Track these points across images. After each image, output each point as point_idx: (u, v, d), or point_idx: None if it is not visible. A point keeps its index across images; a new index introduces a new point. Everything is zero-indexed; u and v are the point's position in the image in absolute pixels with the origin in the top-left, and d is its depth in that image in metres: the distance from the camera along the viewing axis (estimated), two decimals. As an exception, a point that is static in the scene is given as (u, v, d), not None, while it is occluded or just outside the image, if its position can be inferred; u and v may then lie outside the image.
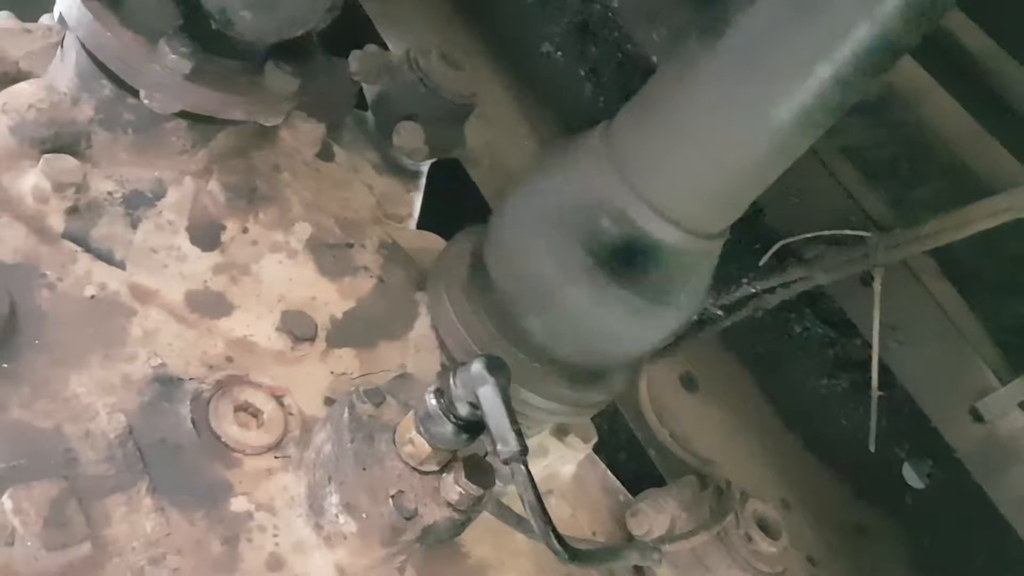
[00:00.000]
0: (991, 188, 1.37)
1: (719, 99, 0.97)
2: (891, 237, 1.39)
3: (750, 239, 1.52)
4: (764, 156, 0.99)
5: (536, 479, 0.96)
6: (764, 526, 1.32)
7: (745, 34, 0.93)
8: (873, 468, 1.58)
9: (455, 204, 1.63)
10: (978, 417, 1.36)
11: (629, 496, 1.45)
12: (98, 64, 1.11)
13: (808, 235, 1.43)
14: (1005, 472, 1.36)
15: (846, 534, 1.67)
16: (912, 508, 1.59)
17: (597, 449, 1.42)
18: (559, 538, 0.95)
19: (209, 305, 1.18)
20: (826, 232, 1.41)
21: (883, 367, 1.41)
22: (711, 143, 0.99)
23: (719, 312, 1.57)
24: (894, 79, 1.43)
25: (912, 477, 1.57)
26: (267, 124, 1.21)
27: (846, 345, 1.60)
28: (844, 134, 1.48)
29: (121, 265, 1.15)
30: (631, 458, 1.69)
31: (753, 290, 1.50)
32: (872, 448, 1.42)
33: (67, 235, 1.13)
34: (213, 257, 1.20)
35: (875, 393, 1.40)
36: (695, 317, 1.48)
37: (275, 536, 1.02)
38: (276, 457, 1.08)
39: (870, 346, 1.40)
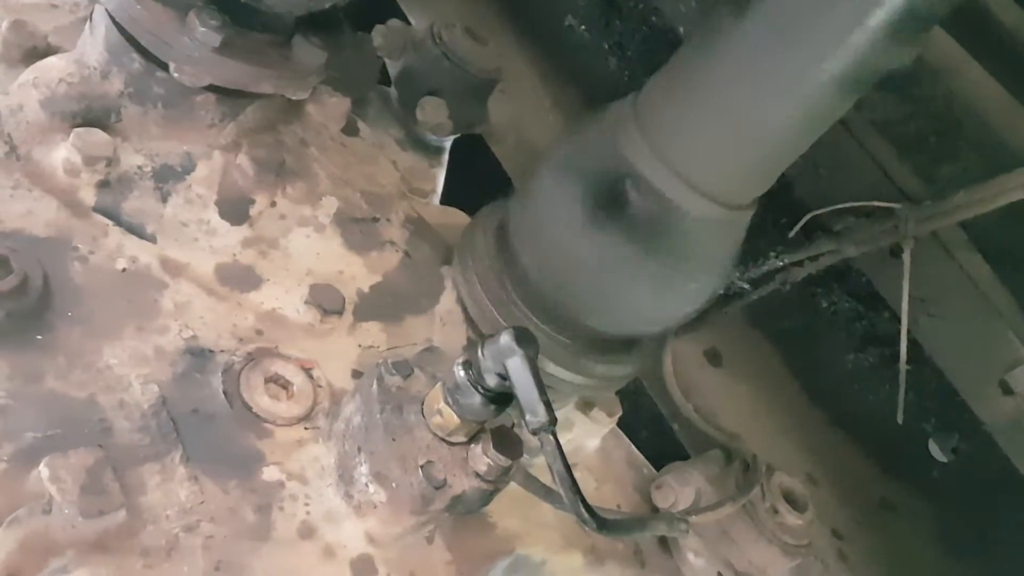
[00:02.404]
0: (1023, 160, 1.35)
1: (751, 68, 0.96)
2: (921, 209, 1.37)
3: (778, 212, 1.51)
4: (795, 126, 0.98)
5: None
6: (790, 499, 1.32)
7: (778, 1, 0.92)
8: (899, 443, 1.57)
9: (477, 180, 1.63)
10: (1007, 390, 1.35)
11: (653, 470, 1.45)
12: (128, 38, 1.11)
13: (837, 207, 1.42)
14: (1034, 444, 1.35)
15: (872, 508, 1.66)
16: (938, 482, 1.58)
17: (617, 426, 1.42)
18: (588, 508, 0.95)
19: (239, 278, 1.18)
20: (856, 204, 1.40)
21: (912, 341, 1.40)
22: (742, 113, 0.98)
23: (746, 286, 1.56)
24: (926, 52, 1.41)
25: (938, 452, 1.56)
26: (295, 98, 1.21)
27: (874, 319, 1.59)
28: (875, 107, 1.46)
29: (152, 239, 1.16)
30: (652, 436, 1.69)
31: (781, 263, 1.49)
32: (900, 421, 1.41)
33: (98, 209, 1.14)
34: (242, 231, 1.21)
35: (903, 366, 1.40)
36: (721, 291, 1.48)
37: (306, 505, 1.03)
38: (306, 428, 1.09)
39: (898, 320, 1.39)
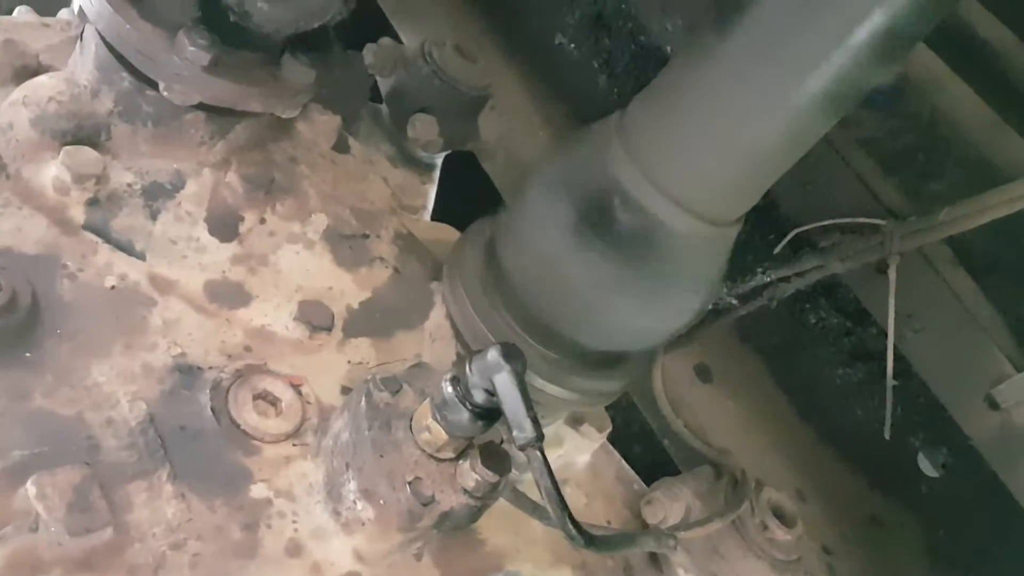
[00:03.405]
0: (1008, 177, 1.37)
1: (735, 86, 0.97)
2: (907, 225, 1.38)
3: (765, 229, 1.52)
4: (779, 143, 0.99)
5: (551, 468, 0.96)
6: (779, 514, 1.32)
7: (761, 20, 0.93)
8: (888, 458, 1.58)
9: (468, 196, 1.64)
10: (994, 404, 1.36)
11: (643, 485, 1.45)
12: (117, 56, 1.12)
13: (823, 223, 1.43)
14: (1021, 460, 1.35)
15: (861, 524, 1.66)
16: (927, 497, 1.59)
17: (610, 441, 1.42)
18: (576, 524, 0.96)
19: (228, 295, 1.19)
20: (842, 220, 1.41)
21: (898, 356, 1.41)
22: (726, 130, 0.99)
23: (734, 302, 1.57)
24: (910, 69, 1.42)
25: (927, 467, 1.57)
26: (284, 116, 1.21)
27: (861, 335, 1.60)
28: (860, 124, 1.47)
29: (141, 256, 1.16)
30: (645, 450, 1.69)
31: (768, 279, 1.49)
32: (887, 436, 1.42)
33: (88, 226, 1.15)
34: (232, 248, 1.22)
35: (890, 382, 1.40)
36: (710, 307, 1.49)
37: (294, 522, 1.03)
38: (294, 445, 1.09)
39: (886, 335, 1.40)
